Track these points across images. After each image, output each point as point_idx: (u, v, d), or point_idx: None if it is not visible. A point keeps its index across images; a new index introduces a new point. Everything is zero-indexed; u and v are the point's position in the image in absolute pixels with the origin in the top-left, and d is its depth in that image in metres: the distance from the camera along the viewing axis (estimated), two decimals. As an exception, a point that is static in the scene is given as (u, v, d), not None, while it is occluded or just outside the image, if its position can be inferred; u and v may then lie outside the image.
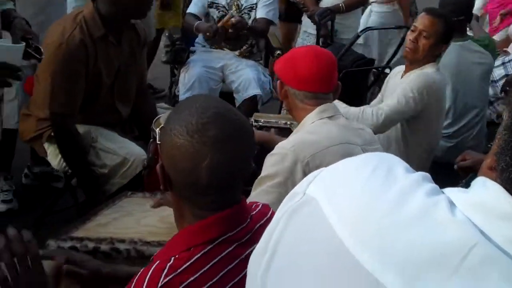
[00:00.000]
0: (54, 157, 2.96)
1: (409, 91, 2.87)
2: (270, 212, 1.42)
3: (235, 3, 4.00)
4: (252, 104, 3.85)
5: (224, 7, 4.02)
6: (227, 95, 3.96)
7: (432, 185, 0.72)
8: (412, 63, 2.97)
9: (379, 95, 3.26)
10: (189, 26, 4.00)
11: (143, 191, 2.54)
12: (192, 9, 4.03)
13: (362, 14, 4.66)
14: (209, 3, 4.02)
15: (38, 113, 2.92)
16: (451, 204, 0.69)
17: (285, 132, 2.83)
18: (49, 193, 3.59)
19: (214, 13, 4.02)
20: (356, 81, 3.73)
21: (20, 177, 3.76)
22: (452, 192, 0.71)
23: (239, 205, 1.32)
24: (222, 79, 4.05)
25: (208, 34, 3.80)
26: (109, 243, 1.98)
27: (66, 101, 2.76)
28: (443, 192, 0.72)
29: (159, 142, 1.34)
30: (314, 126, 2.06)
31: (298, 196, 0.77)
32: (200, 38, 4.16)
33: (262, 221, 1.36)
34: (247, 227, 1.31)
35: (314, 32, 4.30)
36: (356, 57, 3.91)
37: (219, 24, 3.81)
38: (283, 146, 2.02)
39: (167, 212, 2.30)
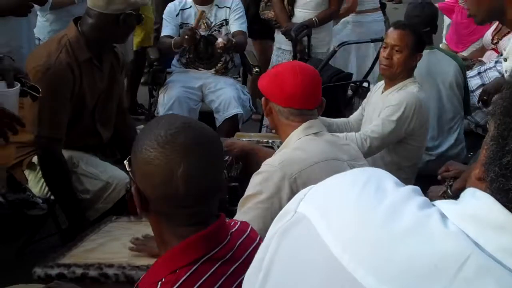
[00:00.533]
0: (35, 184, 2.93)
1: (396, 116, 2.86)
2: (249, 229, 1.43)
3: (204, 22, 4.03)
4: (233, 123, 3.86)
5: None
6: (207, 115, 3.97)
7: (423, 198, 0.73)
8: (391, 79, 2.99)
9: (360, 108, 3.26)
10: (166, 46, 4.01)
11: (128, 215, 2.52)
12: (165, 31, 4.05)
13: (333, 26, 4.68)
14: (179, 24, 4.05)
15: (19, 138, 2.87)
16: (443, 216, 0.69)
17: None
18: (26, 221, 3.54)
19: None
20: (334, 96, 3.75)
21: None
22: (443, 204, 0.72)
23: (219, 223, 1.32)
24: (201, 99, 4.05)
25: (186, 37, 3.80)
26: (97, 268, 1.97)
27: (54, 125, 2.74)
28: (434, 205, 0.72)
29: (129, 169, 1.33)
30: (300, 142, 2.05)
31: (289, 214, 0.77)
32: (175, 61, 4.17)
33: (242, 238, 1.37)
34: (228, 244, 1.32)
35: (288, 48, 4.31)
36: (334, 72, 3.94)
37: (194, 24, 3.86)
38: (270, 164, 2.01)
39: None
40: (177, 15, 4.05)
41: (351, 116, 3.26)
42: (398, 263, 0.67)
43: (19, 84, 2.34)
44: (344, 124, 3.18)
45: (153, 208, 1.30)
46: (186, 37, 3.81)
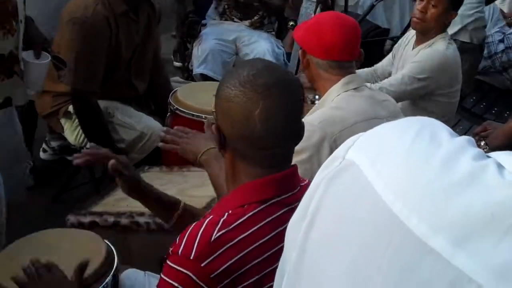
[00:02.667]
0: (71, 132, 2.98)
1: (416, 73, 2.79)
2: None
3: None
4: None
5: None
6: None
7: (478, 150, 0.70)
8: (422, 33, 2.90)
9: (389, 56, 3.15)
10: None
11: (160, 165, 2.55)
12: None
13: None
14: None
15: (55, 87, 2.92)
16: (500, 166, 0.67)
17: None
18: (67, 167, 3.61)
19: None
20: (371, 52, 3.67)
21: (38, 151, 3.78)
22: (500, 155, 0.69)
23: (293, 170, 1.35)
24: (235, 52, 4.03)
25: None
26: (129, 216, 2.00)
27: (90, 77, 2.77)
28: (489, 156, 0.69)
29: (213, 108, 1.36)
30: (340, 99, 1.98)
31: (337, 161, 0.74)
32: (211, 11, 4.13)
33: None
34: (297, 194, 1.33)
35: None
36: (370, 27, 3.86)
37: None
38: (310, 122, 1.93)
39: (186, 185, 2.32)
40: None
41: (378, 64, 3.17)
42: (452, 212, 0.65)
43: (49, 57, 2.38)
44: (371, 74, 3.11)
45: (230, 146, 1.33)
46: None
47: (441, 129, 0.72)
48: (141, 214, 2.01)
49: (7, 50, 2.20)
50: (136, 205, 2.10)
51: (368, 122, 1.95)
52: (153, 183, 2.27)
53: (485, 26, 4.31)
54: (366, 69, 3.12)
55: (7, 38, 2.18)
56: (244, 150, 1.31)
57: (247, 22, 4.08)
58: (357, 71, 2.93)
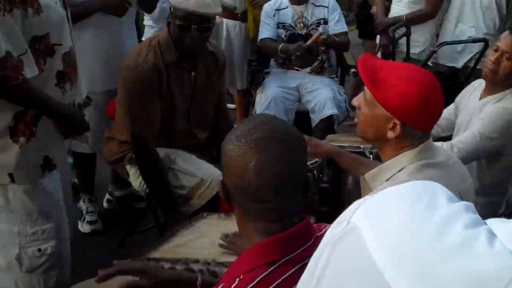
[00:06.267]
0: (135, 178, 3.07)
1: (486, 132, 2.69)
2: None
3: (300, 21, 4.06)
4: (328, 124, 3.85)
5: (290, 25, 4.07)
6: (303, 115, 4.00)
7: (474, 216, 0.72)
8: (492, 84, 2.83)
9: (452, 106, 3.07)
10: (270, 50, 4.06)
11: (219, 212, 2.59)
12: (265, 33, 4.07)
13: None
14: (276, 24, 4.08)
15: (120, 136, 3.05)
16: (492, 235, 0.68)
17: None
18: (131, 213, 3.73)
19: (282, 33, 4.08)
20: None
21: (102, 200, 3.91)
22: (494, 223, 0.71)
23: (302, 225, 1.33)
24: (298, 99, 4.07)
25: (298, 53, 3.83)
26: (184, 263, 2.04)
27: (145, 123, 2.87)
28: (485, 223, 0.71)
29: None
30: (414, 172, 1.83)
31: (343, 224, 0.78)
32: (272, 61, 4.22)
33: None
34: (310, 247, 1.31)
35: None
36: (434, 73, 3.82)
37: (309, 42, 3.85)
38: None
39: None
40: (273, 15, 4.09)
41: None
42: (441, 279, 0.66)
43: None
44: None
45: (234, 200, 1.35)
46: (297, 54, 3.85)
47: (441, 194, 0.74)
48: (196, 261, 2.04)
49: (72, 101, 2.33)
50: (192, 252, 2.16)
51: None
52: (210, 230, 2.35)
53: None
54: None
55: (73, 89, 2.31)
56: (246, 204, 1.32)
57: (308, 69, 4.13)
58: None
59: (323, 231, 1.40)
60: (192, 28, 2.81)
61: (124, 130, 2.97)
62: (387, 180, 1.89)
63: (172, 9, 2.87)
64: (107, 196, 3.91)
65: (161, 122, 2.93)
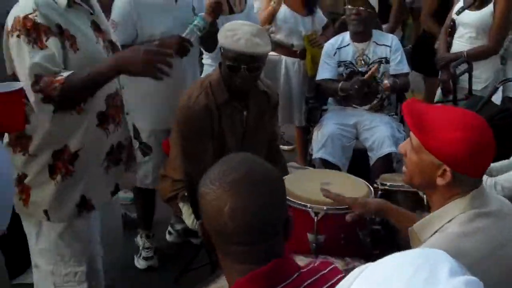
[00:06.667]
0: (188, 216, 3.11)
1: None
2: (328, 269, 1.37)
3: (361, 58, 4.03)
4: (386, 162, 3.77)
5: (351, 62, 4.05)
6: (361, 153, 3.94)
7: None
8: None
9: None
10: (329, 91, 4.06)
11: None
12: (325, 73, 4.06)
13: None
14: (337, 62, 4.07)
15: (174, 174, 3.10)
16: None
17: (413, 197, 2.73)
18: (189, 248, 3.75)
19: (342, 70, 4.06)
20: (499, 140, 3.46)
21: (164, 233, 3.97)
22: None
23: (280, 260, 1.29)
24: (355, 136, 4.02)
25: (356, 86, 3.81)
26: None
27: (197, 162, 2.89)
28: None
29: None
30: (465, 222, 1.74)
31: None
32: (331, 98, 4.20)
33: (313, 279, 1.32)
34: (292, 283, 1.28)
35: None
36: (497, 111, 3.69)
37: (366, 76, 3.84)
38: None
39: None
40: (334, 54, 4.08)
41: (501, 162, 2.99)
42: None
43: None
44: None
45: (214, 242, 1.33)
46: (356, 87, 3.83)
47: (443, 267, 0.72)
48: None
49: (116, 142, 2.37)
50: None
51: (497, 257, 1.72)
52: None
53: None
54: None
55: (117, 130, 2.35)
56: (223, 246, 1.29)
57: (367, 107, 4.09)
58: None
59: (309, 266, 1.36)
60: (242, 68, 2.84)
61: (178, 168, 3.02)
62: (436, 231, 1.79)
63: (222, 50, 2.91)
64: (169, 228, 3.96)
65: (213, 161, 2.94)
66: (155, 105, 3.34)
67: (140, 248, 3.69)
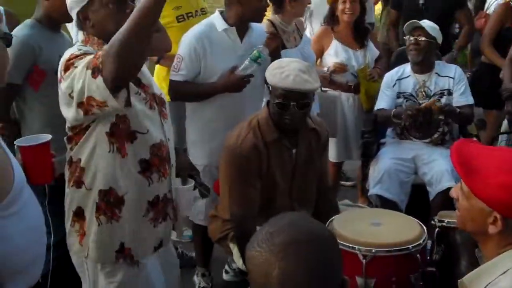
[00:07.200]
0: (238, 257, 3.07)
1: None
2: None
3: (422, 90, 3.93)
4: (446, 198, 3.61)
5: (411, 94, 3.95)
6: (420, 188, 3.81)
7: None
8: None
9: None
10: (383, 118, 3.97)
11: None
12: (382, 104, 3.98)
13: None
14: (396, 93, 3.99)
15: (223, 214, 3.08)
16: None
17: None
18: (245, 287, 3.70)
19: (402, 102, 3.96)
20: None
21: (221, 271, 3.94)
22: None
23: None
24: (414, 171, 3.90)
25: (410, 113, 3.71)
26: None
27: (244, 203, 2.88)
28: None
29: None
30: None
31: None
32: (389, 131, 4.10)
33: None
34: None
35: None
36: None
37: (422, 106, 3.74)
38: None
39: None
40: (394, 85, 4.01)
41: None
42: None
43: (193, 182, 2.54)
44: None
45: None
46: (408, 112, 3.73)
47: None
48: None
49: (162, 193, 2.35)
50: None
51: None
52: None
53: None
54: None
55: (161, 181, 2.32)
56: None
57: (427, 140, 3.96)
58: None
59: None
60: (291, 105, 2.81)
61: (226, 209, 3.00)
62: (488, 283, 1.66)
63: (270, 88, 2.90)
64: (226, 267, 3.93)
65: (262, 200, 2.93)
66: (213, 139, 3.32)
67: (196, 287, 3.67)
